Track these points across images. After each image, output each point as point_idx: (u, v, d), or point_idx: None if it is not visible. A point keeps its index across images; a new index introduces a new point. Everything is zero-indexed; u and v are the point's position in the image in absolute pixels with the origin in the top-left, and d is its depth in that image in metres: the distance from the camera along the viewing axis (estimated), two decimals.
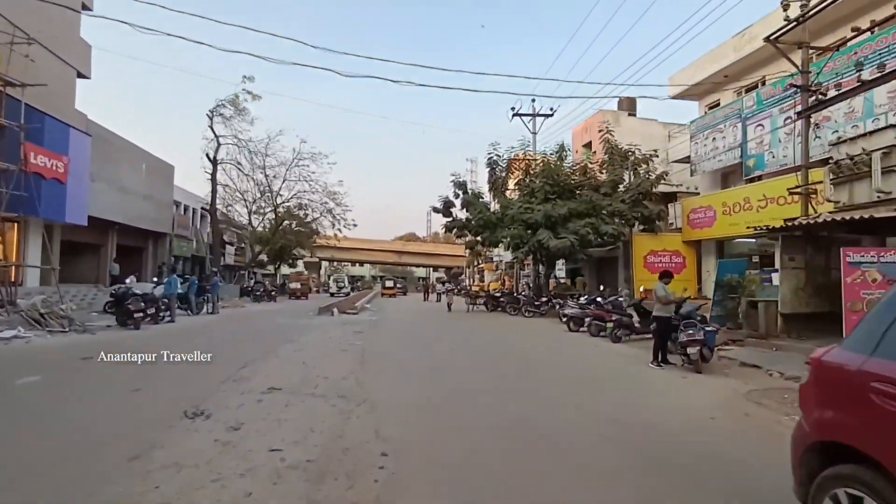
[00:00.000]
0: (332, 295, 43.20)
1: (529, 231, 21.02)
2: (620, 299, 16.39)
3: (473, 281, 55.49)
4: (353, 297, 35.50)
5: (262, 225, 39.20)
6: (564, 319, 15.84)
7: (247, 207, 37.14)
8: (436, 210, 24.68)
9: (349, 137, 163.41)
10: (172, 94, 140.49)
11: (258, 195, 36.26)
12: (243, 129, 33.55)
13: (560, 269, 31.02)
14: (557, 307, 20.94)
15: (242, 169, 33.97)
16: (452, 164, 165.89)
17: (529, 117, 27.22)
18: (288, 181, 36.29)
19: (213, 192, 31.81)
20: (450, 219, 24.69)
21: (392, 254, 77.32)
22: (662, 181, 21.59)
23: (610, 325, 12.43)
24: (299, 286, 37.66)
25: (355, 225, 37.66)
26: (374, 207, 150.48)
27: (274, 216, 36.95)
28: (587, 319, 14.20)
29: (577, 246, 19.62)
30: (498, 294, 26.36)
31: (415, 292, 69.57)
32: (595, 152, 24.40)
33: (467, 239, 25.11)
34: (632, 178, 22.20)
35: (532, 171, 23.32)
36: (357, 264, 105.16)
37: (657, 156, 22.40)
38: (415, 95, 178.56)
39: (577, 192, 22.23)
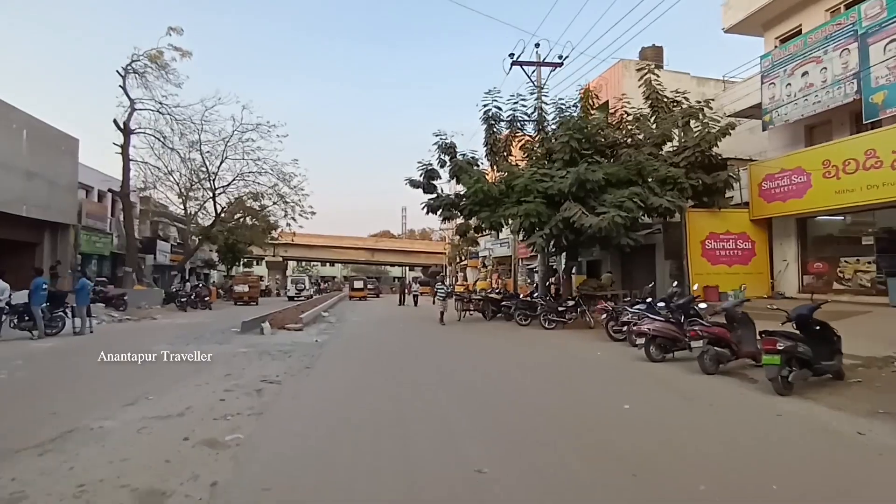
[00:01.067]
0: (290, 299, 36.32)
1: (547, 205, 14.76)
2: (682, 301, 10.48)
3: (455, 280, 49.18)
4: (312, 302, 28.83)
5: (201, 215, 31.98)
6: (635, 339, 9.64)
7: (179, 193, 29.87)
8: (413, 184, 18.16)
9: (319, 132, 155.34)
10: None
11: (193, 178, 29.04)
12: (169, 94, 26.49)
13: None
14: (586, 313, 14.87)
15: (167, 142, 26.76)
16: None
17: (532, 67, 20.92)
18: (229, 160, 29.18)
19: (125, 169, 24.57)
20: (433, 196, 18.21)
21: (364, 252, 70.41)
22: (728, 134, 15.58)
23: (774, 359, 6.12)
24: (246, 289, 30.66)
25: (313, 213, 30.68)
26: (345, 205, 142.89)
27: (213, 204, 29.74)
28: (698, 344, 8.02)
29: (625, 224, 13.41)
30: (497, 295, 20.05)
31: (390, 293, 62.86)
32: (614, 111, 18.24)
33: (457, 223, 18.41)
34: (681, 135, 16.16)
35: (543, 131, 17.06)
36: (328, 264, 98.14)
37: (710, 107, 16.40)
38: (389, 84, 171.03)
39: (611, 151, 16.08)
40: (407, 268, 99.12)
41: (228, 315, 21.25)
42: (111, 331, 14.46)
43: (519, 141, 18.21)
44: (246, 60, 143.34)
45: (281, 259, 67.05)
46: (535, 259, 30.40)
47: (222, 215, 37.98)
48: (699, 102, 16.38)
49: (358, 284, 38.23)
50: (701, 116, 15.97)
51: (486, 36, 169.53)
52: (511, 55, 20.48)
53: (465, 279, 45.04)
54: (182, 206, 29.97)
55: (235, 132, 28.13)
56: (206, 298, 25.47)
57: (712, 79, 22.88)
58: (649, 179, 14.98)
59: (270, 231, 47.41)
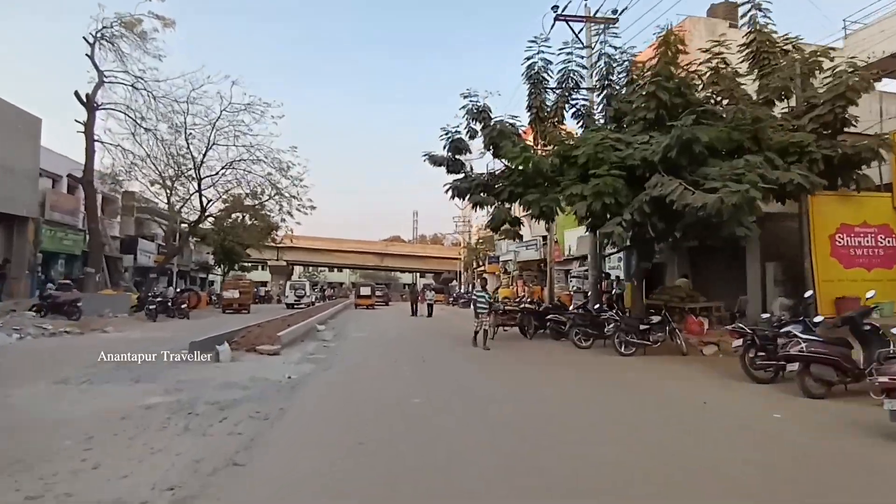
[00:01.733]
0: (288, 306, 32.28)
1: (626, 182, 10.51)
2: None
3: (472, 288, 44.90)
4: (310, 311, 24.80)
5: (186, 209, 28.04)
6: (879, 393, 5.31)
7: (162, 184, 25.96)
8: (435, 161, 13.91)
9: (327, 135, 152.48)
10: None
11: (176, 166, 25.12)
12: (148, 67, 22.71)
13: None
14: (677, 334, 10.61)
15: (144, 122, 22.88)
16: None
17: (580, 22, 16.76)
18: (218, 146, 25.22)
19: (88, 151, 20.70)
20: (459, 176, 14.02)
21: (373, 257, 66.43)
22: (872, 88, 11.24)
23: None
24: (237, 295, 26.65)
25: (313, 207, 26.56)
26: (354, 210, 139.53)
27: (199, 197, 25.80)
28: None
29: (749, 203, 9.06)
30: (537, 307, 15.77)
31: (400, 301, 58.63)
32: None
33: (491, 210, 13.90)
34: (801, 91, 11.83)
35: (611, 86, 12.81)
36: (335, 269, 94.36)
37: (830, 57, 12.07)
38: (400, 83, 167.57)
39: (703, 112, 11.78)
40: (417, 274, 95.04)
41: (205, 327, 17.16)
42: (11, 351, 10.39)
43: (572, 106, 13.99)
44: (253, 62, 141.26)
45: (285, 263, 63.31)
46: (573, 263, 26.21)
47: (217, 214, 34.32)
48: (816, 51, 12.11)
49: (364, 291, 34.02)
50: (826, 67, 11.66)
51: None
52: (554, 8, 16.29)
53: (485, 287, 40.74)
54: (165, 200, 26.09)
55: (224, 112, 24.20)
56: (184, 306, 21.44)
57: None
58: (765, 148, 10.67)
59: (270, 232, 43.69)
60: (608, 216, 10.56)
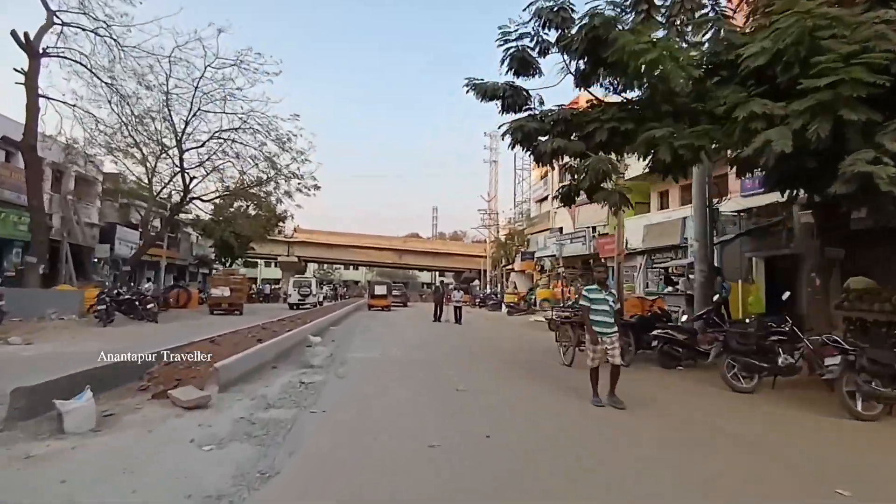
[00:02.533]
0: (291, 307, 27.75)
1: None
2: None
3: (501, 287, 39.95)
4: (314, 312, 20.28)
5: (170, 190, 23.56)
6: None
7: (141, 158, 21.51)
8: (484, 92, 8.97)
9: (343, 129, 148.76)
10: None
11: (151, 135, 20.61)
12: (117, 14, 18.26)
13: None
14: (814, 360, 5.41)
15: (110, 80, 18.39)
16: (464, 158, 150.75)
17: None
18: (204, 115, 20.64)
19: (30, 110, 16.27)
20: (523, 113, 9.06)
21: (391, 253, 61.82)
22: None
23: None
24: (227, 293, 22.15)
25: (317, 187, 21.79)
26: (370, 207, 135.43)
27: (182, 176, 21.23)
28: None
29: None
30: (665, 319, 10.70)
31: (419, 301, 53.62)
32: None
33: (581, 164, 8.79)
34: None
35: None
36: (351, 267, 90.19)
37: None
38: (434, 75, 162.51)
39: None
40: (437, 273, 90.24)
41: (163, 336, 12.65)
42: None
43: None
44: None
45: (296, 259, 59.10)
46: (635, 258, 21.14)
47: (217, 201, 29.91)
48: None
49: (380, 290, 29.12)
50: None
51: None
52: None
53: (516, 287, 35.69)
54: (146, 180, 21.65)
55: (209, 68, 19.59)
56: (151, 306, 16.97)
57: None
58: None
59: (276, 223, 39.32)
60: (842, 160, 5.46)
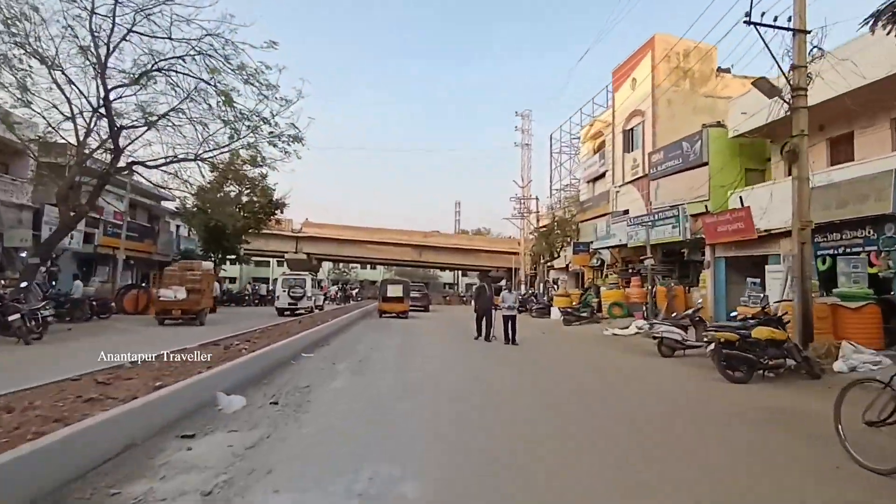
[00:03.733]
0: (280, 312, 21.38)
1: None
2: None
3: (544, 289, 32.97)
4: (304, 323, 13.88)
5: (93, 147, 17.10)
6: None
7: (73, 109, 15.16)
8: None
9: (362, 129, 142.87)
10: None
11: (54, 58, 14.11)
12: None
13: None
14: None
15: None
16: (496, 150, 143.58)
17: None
18: (138, 39, 14.11)
19: None
20: None
21: (410, 250, 55.28)
22: None
23: None
24: (181, 295, 15.82)
25: (299, 140, 14.83)
26: (389, 203, 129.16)
27: (110, 124, 14.57)
28: None
29: None
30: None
31: (442, 304, 46.91)
32: None
33: None
34: None
35: None
36: (369, 266, 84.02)
37: None
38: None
39: None
40: (460, 272, 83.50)
41: None
42: None
43: None
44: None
45: (305, 256, 52.98)
46: (775, 243, 14.11)
47: (203, 183, 23.75)
48: None
49: (394, 291, 22.01)
50: None
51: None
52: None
53: (564, 289, 28.69)
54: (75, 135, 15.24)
55: None
56: (34, 322, 10.70)
57: None
58: None
59: (273, 212, 33.08)
60: None
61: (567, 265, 32.58)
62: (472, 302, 15.02)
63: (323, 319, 15.68)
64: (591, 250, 26.71)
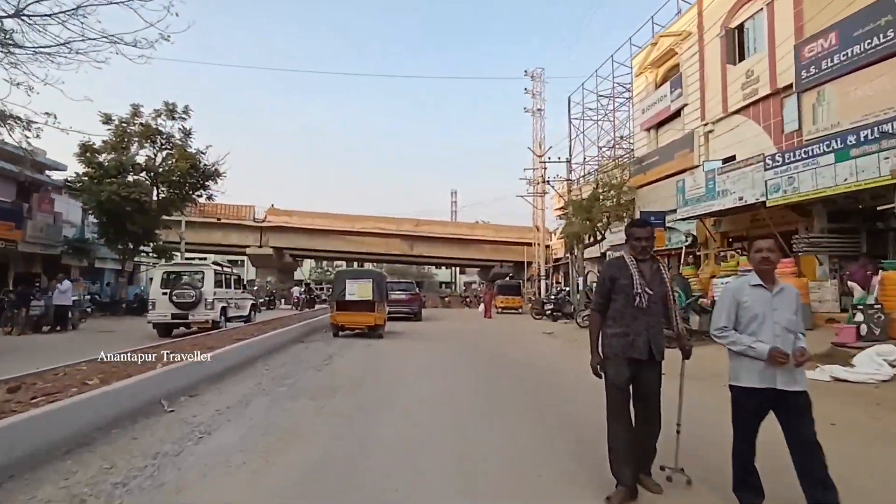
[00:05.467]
0: (163, 331, 12.26)
1: None
2: None
3: (583, 286, 23.76)
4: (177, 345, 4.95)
5: None
6: None
7: None
8: None
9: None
10: None
11: None
12: None
13: None
14: None
15: None
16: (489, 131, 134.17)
17: None
18: None
19: None
20: None
21: (398, 241, 45.96)
22: None
23: None
24: None
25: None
26: (377, 194, 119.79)
27: None
28: None
29: None
30: None
31: (439, 307, 37.02)
32: None
33: None
34: None
35: None
36: (356, 263, 74.57)
37: None
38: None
39: None
40: (457, 269, 74.25)
41: None
42: None
43: None
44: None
45: (271, 252, 43.54)
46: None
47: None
48: None
49: (357, 292, 11.74)
50: None
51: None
52: None
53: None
54: None
55: None
56: None
57: None
58: None
59: (204, 182, 23.78)
60: None
61: (604, 252, 23.57)
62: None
63: (229, 341, 6.71)
64: (665, 226, 17.67)
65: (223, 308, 12.79)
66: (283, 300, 34.90)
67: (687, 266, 16.54)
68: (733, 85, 15.29)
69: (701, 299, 14.37)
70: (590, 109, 28.72)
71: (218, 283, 12.79)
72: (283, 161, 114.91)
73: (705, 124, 16.59)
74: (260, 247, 43.39)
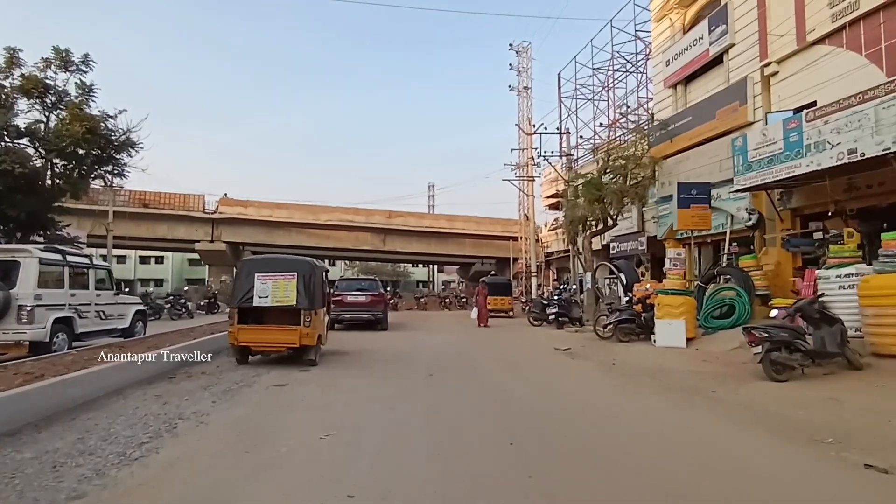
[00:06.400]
0: None
1: None
2: None
3: (591, 285, 19.40)
4: None
5: None
6: None
7: None
8: None
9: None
10: None
11: None
12: None
13: None
14: None
15: None
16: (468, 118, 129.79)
17: None
18: None
19: None
20: None
21: (369, 235, 41.01)
22: None
23: None
24: None
25: None
26: (346, 186, 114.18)
27: None
28: None
29: None
30: None
31: (414, 309, 32.11)
32: None
33: None
34: None
35: None
36: (328, 261, 68.76)
37: None
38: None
39: None
40: (435, 266, 69.53)
41: None
42: None
43: None
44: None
45: (225, 248, 38.14)
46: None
47: None
48: None
49: (272, 294, 6.72)
50: None
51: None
52: None
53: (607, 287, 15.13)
54: None
55: None
56: None
57: None
58: None
59: (109, 152, 18.64)
60: None
61: (606, 244, 19.36)
62: None
63: None
64: (710, 205, 13.30)
65: (63, 319, 7.96)
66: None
67: (745, 256, 12.31)
68: (814, 3, 11.07)
69: (776, 299, 10.18)
70: (583, 87, 24.64)
71: (51, 282, 7.94)
72: (245, 151, 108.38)
73: (767, 64, 12.35)
74: (212, 241, 38.01)
